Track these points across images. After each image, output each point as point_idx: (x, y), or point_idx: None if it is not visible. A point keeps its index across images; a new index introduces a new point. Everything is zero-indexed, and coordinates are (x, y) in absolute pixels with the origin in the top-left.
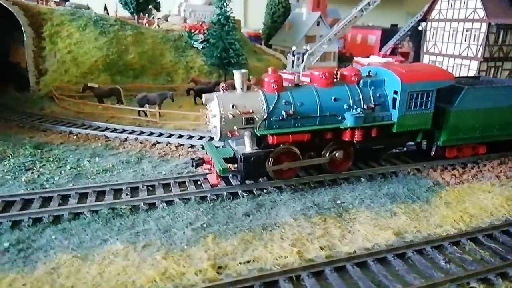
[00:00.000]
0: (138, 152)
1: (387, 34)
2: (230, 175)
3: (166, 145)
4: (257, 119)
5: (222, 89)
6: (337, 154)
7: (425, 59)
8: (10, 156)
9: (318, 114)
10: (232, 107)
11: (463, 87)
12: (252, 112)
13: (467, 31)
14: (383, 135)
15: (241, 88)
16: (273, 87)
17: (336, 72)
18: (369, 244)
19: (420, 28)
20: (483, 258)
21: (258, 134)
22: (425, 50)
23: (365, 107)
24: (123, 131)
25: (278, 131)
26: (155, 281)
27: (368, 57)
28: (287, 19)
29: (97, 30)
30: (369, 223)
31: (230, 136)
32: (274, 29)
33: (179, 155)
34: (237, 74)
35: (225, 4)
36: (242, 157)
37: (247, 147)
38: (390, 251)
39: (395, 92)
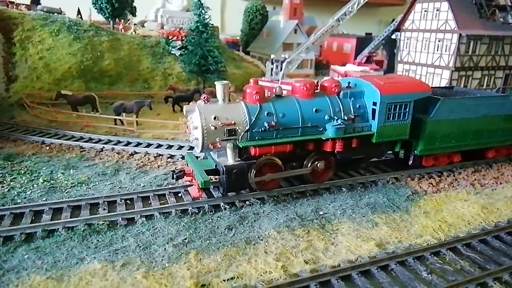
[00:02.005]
0: (115, 163)
1: (362, 42)
2: (212, 186)
3: (145, 155)
4: (239, 130)
5: (204, 100)
6: (318, 164)
7: (399, 68)
8: None
9: (300, 125)
10: (214, 118)
11: (439, 98)
12: (234, 123)
13: (439, 41)
14: (363, 145)
15: (223, 99)
16: (255, 98)
17: (317, 83)
18: (353, 256)
19: (394, 37)
20: (463, 268)
21: (241, 146)
22: (399, 59)
23: (346, 118)
24: (99, 140)
25: (260, 143)
26: None
27: (344, 65)
28: (265, 26)
29: (71, 36)
30: (352, 234)
31: (212, 148)
32: (252, 36)
33: (158, 166)
34: (219, 85)
35: (203, 11)
36: (224, 169)
37: (230, 158)
38: (374, 263)
39: (374, 104)
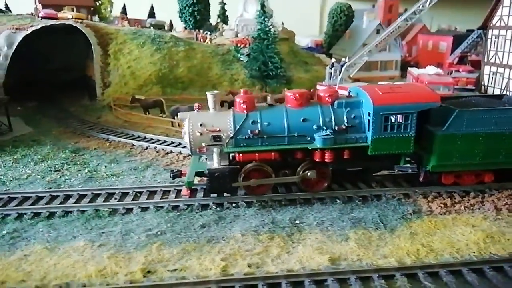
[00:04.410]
0: (149, 160)
1: (459, 40)
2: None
3: (177, 154)
4: (224, 137)
5: (196, 108)
6: (309, 173)
7: (486, 70)
8: (49, 158)
9: (286, 134)
10: (200, 125)
11: (454, 109)
12: (219, 130)
13: None
14: (359, 157)
15: (213, 108)
16: (243, 107)
17: (313, 92)
18: (299, 267)
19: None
20: None
21: (224, 151)
22: (485, 60)
23: (336, 128)
24: (150, 139)
25: (244, 149)
26: (91, 276)
27: (425, 67)
28: (349, 27)
29: (153, 47)
30: (314, 246)
31: (198, 151)
32: (336, 38)
33: (182, 165)
34: (210, 95)
35: (266, 19)
36: (207, 172)
37: (215, 162)
38: (311, 275)
39: (369, 115)
